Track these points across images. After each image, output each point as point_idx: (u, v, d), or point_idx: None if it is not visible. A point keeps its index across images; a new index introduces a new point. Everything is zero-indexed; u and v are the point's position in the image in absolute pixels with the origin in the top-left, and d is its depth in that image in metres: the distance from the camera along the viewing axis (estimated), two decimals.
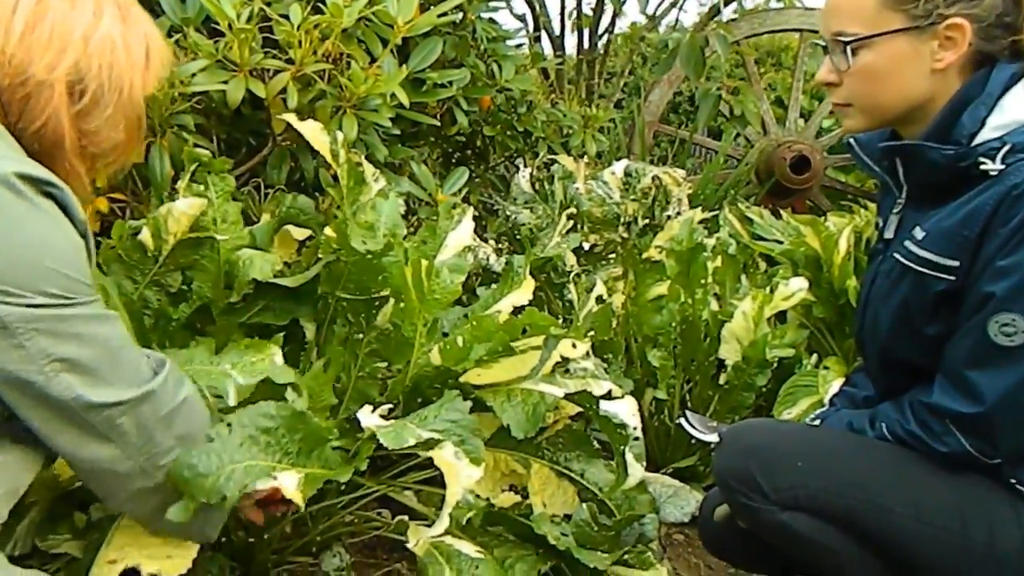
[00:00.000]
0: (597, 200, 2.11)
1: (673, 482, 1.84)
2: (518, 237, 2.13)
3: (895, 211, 1.27)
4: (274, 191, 1.90)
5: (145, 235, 1.37)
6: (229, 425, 1.13)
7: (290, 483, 1.11)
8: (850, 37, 1.16)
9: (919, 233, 1.19)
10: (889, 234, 1.27)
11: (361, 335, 1.46)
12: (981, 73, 1.15)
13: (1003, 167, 1.09)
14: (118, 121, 1.05)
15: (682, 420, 1.44)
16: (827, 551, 1.21)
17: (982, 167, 1.10)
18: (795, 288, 2.01)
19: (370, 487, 1.52)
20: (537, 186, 2.29)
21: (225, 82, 1.70)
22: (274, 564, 1.56)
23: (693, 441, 2.28)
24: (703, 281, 2.15)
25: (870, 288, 1.32)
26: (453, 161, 3.19)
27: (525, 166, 3.04)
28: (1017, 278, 1.07)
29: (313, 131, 1.49)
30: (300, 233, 1.74)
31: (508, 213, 2.15)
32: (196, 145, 1.82)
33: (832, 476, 1.20)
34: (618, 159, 3.66)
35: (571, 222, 1.92)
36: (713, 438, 1.37)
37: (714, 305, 2.23)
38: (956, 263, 1.13)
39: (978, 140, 1.12)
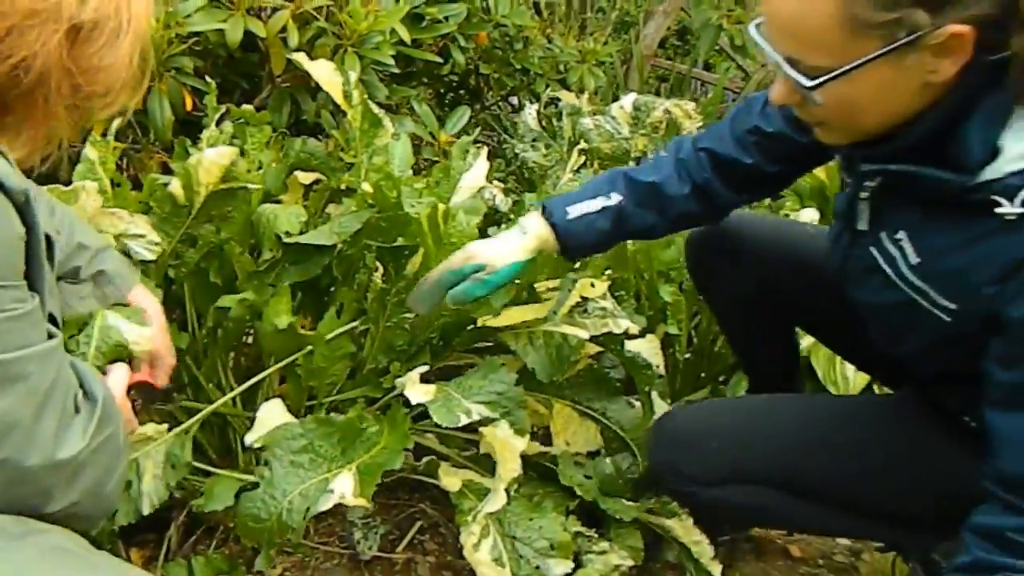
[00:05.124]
0: (605, 136, 2.07)
1: None
2: (526, 176, 2.09)
3: (863, 196, 1.05)
4: (276, 134, 1.86)
5: (175, 187, 1.33)
6: (267, 463, 1.12)
7: (347, 488, 1.11)
8: (811, 71, 0.89)
9: (911, 252, 1.01)
10: (862, 225, 1.07)
11: (390, 285, 1.43)
12: (975, 80, 0.88)
13: (1021, 211, 0.87)
14: (128, 54, 0.86)
15: None
16: (767, 510, 1.24)
17: (996, 210, 0.89)
18: (806, 220, 1.99)
19: None
20: (544, 123, 2.24)
21: (223, 21, 1.63)
22: None
23: (702, 374, 2.31)
24: None
25: (844, 264, 1.14)
26: (446, 102, 3.13)
27: (521, 105, 2.98)
28: None
29: (324, 72, 1.44)
30: (306, 178, 1.71)
31: (516, 151, 2.11)
32: (194, 88, 1.77)
33: (744, 446, 1.22)
34: (615, 94, 3.60)
35: (582, 158, 1.88)
36: None
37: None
38: (955, 306, 0.98)
39: (992, 173, 0.89)
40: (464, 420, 1.19)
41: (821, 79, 0.88)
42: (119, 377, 1.10)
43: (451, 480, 1.28)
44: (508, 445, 1.19)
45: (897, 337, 1.12)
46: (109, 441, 0.89)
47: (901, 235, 1.02)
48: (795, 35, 0.89)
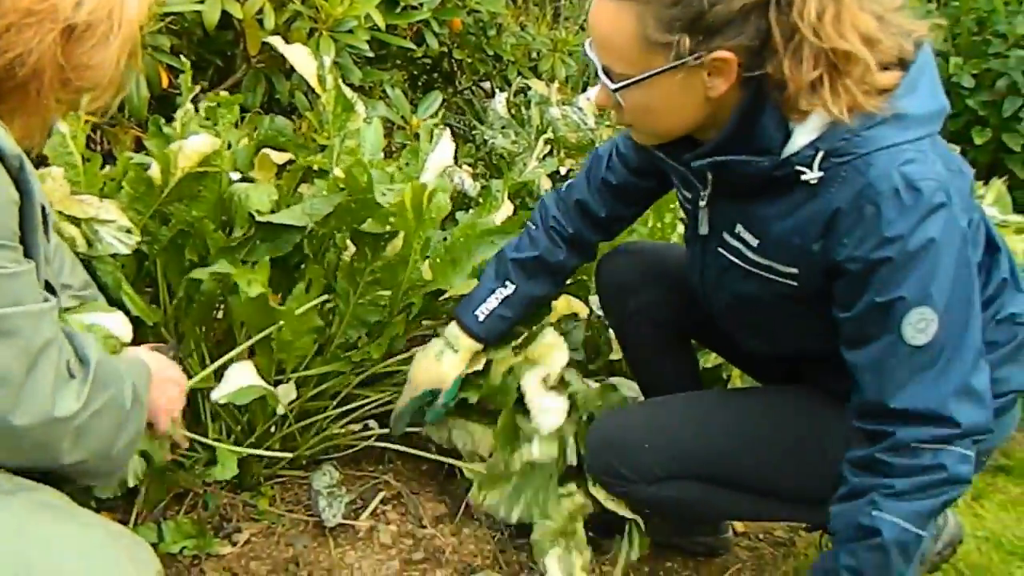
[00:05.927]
0: (572, 126, 2.14)
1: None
2: (494, 162, 2.15)
3: (702, 204, 1.23)
4: (250, 114, 1.89)
5: (155, 171, 1.36)
6: None
7: None
8: (617, 78, 1.08)
9: (750, 238, 1.17)
10: (704, 230, 1.25)
11: (364, 265, 1.49)
12: (756, 89, 1.06)
13: (821, 174, 1.06)
14: (116, 54, 0.92)
15: None
16: (701, 503, 1.35)
17: (802, 177, 1.07)
18: None
19: (361, 400, 1.59)
20: (513, 111, 2.30)
21: (200, 2, 1.66)
22: (266, 478, 1.63)
23: None
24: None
25: (702, 273, 1.31)
26: (419, 84, 3.16)
27: (494, 90, 3.02)
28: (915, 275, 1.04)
29: (300, 55, 1.48)
30: (279, 157, 1.74)
31: (485, 138, 2.17)
32: (170, 66, 1.80)
33: (674, 445, 1.34)
34: (585, 83, 3.65)
35: (548, 147, 1.95)
36: None
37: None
38: (795, 270, 1.14)
39: (790, 149, 1.07)
40: None
41: (621, 84, 1.07)
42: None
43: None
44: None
45: (767, 328, 1.27)
46: (110, 404, 0.93)
47: (739, 228, 1.18)
48: (606, 48, 1.08)
